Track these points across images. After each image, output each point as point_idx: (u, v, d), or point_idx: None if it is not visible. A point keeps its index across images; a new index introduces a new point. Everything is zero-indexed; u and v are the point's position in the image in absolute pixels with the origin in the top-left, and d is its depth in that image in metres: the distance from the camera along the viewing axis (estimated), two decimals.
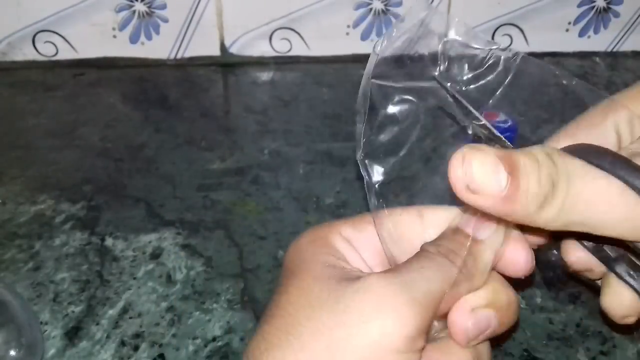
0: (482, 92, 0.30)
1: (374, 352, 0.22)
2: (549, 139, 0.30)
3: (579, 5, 0.71)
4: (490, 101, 0.29)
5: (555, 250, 0.30)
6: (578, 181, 0.22)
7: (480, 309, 0.25)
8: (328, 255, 0.26)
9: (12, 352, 0.33)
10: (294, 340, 0.23)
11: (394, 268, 0.25)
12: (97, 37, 0.68)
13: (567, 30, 0.73)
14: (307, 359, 0.22)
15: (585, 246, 0.27)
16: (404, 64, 0.28)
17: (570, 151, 0.24)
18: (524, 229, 0.26)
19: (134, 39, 0.68)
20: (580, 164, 0.23)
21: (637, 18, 0.73)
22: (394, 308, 0.22)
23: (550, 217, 0.22)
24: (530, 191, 0.22)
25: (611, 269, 0.26)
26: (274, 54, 0.71)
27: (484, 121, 0.28)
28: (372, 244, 0.27)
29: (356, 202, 0.48)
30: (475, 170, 0.21)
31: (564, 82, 0.30)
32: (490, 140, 0.27)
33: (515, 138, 0.45)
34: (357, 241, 0.27)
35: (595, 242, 0.27)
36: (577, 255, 0.28)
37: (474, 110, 0.28)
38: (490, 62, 0.29)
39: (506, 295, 0.26)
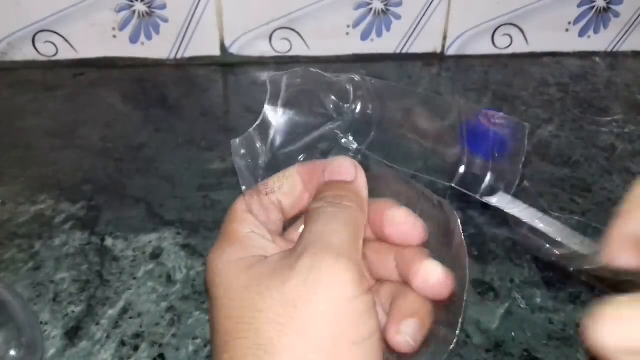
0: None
1: (339, 309, 0.24)
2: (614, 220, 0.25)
3: (579, 5, 0.71)
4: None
5: (555, 250, 0.29)
6: None
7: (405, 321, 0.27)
8: (246, 259, 0.27)
9: (12, 352, 0.33)
10: (269, 346, 0.23)
11: (303, 240, 0.26)
12: (97, 37, 0.68)
13: (567, 30, 0.73)
14: (290, 357, 0.23)
15: None
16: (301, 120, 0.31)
17: None
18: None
19: (134, 39, 0.68)
20: None
21: (637, 18, 0.73)
22: (330, 272, 0.24)
23: None
24: None
25: None
26: (274, 54, 0.71)
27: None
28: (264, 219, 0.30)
29: None
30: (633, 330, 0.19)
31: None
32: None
33: (512, 139, 0.45)
34: (255, 225, 0.29)
35: None
36: None
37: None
38: None
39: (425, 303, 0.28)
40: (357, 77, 0.31)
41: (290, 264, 0.25)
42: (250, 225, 0.29)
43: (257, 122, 0.31)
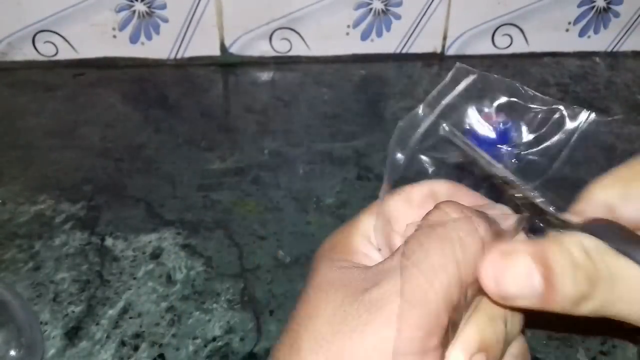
0: (545, 155, 0.29)
1: (376, 357, 0.21)
2: (582, 194, 0.27)
3: (579, 5, 0.71)
4: (555, 165, 0.28)
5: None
6: (621, 283, 0.21)
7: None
8: (341, 261, 0.25)
9: (12, 352, 0.33)
10: (295, 354, 0.22)
11: (391, 261, 0.23)
12: (97, 37, 0.68)
13: (567, 30, 0.73)
14: None
15: None
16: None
17: (597, 231, 0.23)
18: None
19: (134, 39, 0.68)
20: (624, 264, 0.22)
21: (637, 18, 0.73)
22: (388, 320, 0.21)
23: (587, 312, 0.22)
24: (566, 293, 0.21)
25: None
26: (274, 54, 0.71)
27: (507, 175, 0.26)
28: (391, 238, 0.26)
29: (356, 202, 0.48)
30: (509, 280, 0.21)
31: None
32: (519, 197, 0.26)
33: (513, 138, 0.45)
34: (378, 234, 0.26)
35: None
36: None
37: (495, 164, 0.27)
38: (552, 121, 0.28)
39: (493, 331, 0.24)
40: (564, 110, 0.27)
41: (362, 285, 0.22)
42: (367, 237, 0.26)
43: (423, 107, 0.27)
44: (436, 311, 0.21)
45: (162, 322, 0.38)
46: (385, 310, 0.21)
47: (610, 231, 0.23)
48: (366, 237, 0.26)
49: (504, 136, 0.44)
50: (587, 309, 0.22)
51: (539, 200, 0.25)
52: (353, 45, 0.71)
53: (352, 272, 0.24)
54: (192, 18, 0.67)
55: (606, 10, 0.72)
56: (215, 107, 0.63)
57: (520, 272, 0.21)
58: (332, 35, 0.70)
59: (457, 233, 0.22)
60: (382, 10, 0.69)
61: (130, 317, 0.38)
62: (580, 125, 0.27)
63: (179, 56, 0.70)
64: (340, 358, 0.21)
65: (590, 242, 0.22)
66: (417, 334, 0.21)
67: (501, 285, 0.21)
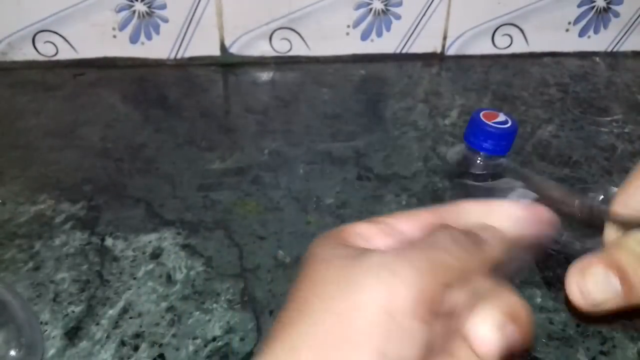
0: None
1: (380, 315, 0.22)
2: (619, 190, 0.31)
3: (579, 5, 0.71)
4: None
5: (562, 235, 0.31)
6: None
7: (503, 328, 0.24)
8: (334, 244, 0.27)
9: (12, 352, 0.33)
10: (305, 315, 0.23)
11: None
12: (97, 37, 0.68)
13: (567, 30, 0.73)
14: (321, 332, 0.23)
15: None
16: None
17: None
18: None
19: (134, 39, 0.68)
20: None
21: (637, 18, 0.73)
22: (394, 272, 0.23)
23: None
24: None
25: None
26: (274, 54, 0.71)
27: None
28: (385, 236, 0.28)
29: (356, 202, 0.48)
30: (592, 290, 0.26)
31: None
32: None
33: (514, 138, 0.45)
34: (371, 233, 0.28)
35: None
36: None
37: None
38: None
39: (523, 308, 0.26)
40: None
41: (357, 253, 0.24)
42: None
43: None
44: (434, 281, 0.23)
45: (162, 322, 0.38)
46: (386, 272, 0.23)
47: None
48: (357, 233, 0.28)
49: (505, 135, 0.44)
50: None
51: (595, 202, 0.32)
52: (353, 45, 0.71)
53: (346, 249, 0.26)
54: (192, 18, 0.67)
55: (606, 10, 0.72)
56: (215, 107, 0.63)
57: (600, 280, 0.26)
58: (332, 35, 0.70)
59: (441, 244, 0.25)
60: (382, 10, 0.69)
61: (130, 317, 0.38)
62: None
63: (179, 56, 0.70)
64: (349, 315, 0.22)
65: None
66: (417, 296, 0.22)
67: (588, 296, 0.26)
